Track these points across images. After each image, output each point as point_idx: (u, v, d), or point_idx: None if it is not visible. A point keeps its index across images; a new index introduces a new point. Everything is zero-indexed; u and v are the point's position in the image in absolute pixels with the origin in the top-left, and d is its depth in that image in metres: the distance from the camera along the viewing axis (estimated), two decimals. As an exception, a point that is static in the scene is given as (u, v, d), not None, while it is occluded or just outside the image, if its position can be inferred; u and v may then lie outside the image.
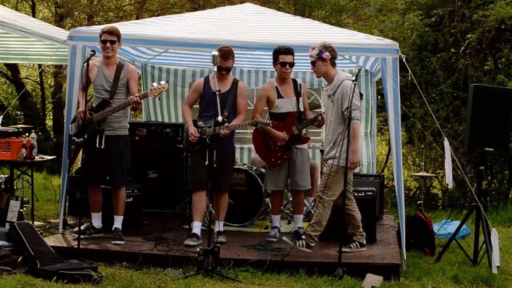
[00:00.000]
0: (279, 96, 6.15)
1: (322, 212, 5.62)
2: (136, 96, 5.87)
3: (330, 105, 5.72)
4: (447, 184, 6.30)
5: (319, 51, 5.63)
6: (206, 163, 5.90)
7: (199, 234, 5.98)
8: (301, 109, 6.19)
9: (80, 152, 6.31)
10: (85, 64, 5.63)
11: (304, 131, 6.25)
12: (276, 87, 6.17)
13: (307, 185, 6.27)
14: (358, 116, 5.55)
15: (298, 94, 6.16)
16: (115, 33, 5.87)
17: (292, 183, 6.27)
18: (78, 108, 5.98)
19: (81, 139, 5.82)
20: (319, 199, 5.65)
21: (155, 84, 5.95)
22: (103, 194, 6.15)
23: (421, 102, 10.14)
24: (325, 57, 5.63)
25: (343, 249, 5.46)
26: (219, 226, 6.15)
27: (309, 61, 5.98)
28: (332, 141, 5.71)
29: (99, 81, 5.90)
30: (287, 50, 6.08)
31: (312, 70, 5.81)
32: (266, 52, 7.55)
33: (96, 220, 6.08)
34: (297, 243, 5.61)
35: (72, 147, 5.98)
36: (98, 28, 6.26)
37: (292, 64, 6.13)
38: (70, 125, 6.05)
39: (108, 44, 5.86)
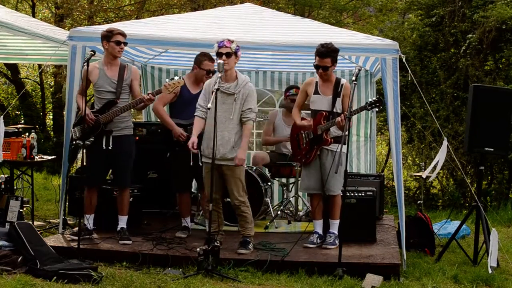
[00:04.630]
0: (316, 92, 6.05)
1: (249, 211, 5.83)
2: (149, 94, 5.90)
3: (229, 102, 5.68)
4: (428, 177, 6.32)
5: (237, 46, 5.73)
6: (191, 163, 6.23)
7: (189, 227, 6.41)
8: (337, 109, 5.93)
9: (79, 154, 6.28)
10: (85, 64, 5.63)
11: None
12: (316, 82, 6.07)
13: (337, 191, 5.95)
14: (253, 118, 5.76)
15: (336, 94, 5.95)
16: (125, 35, 5.91)
17: (325, 186, 6.05)
18: (79, 111, 5.94)
19: (88, 142, 5.80)
20: (241, 204, 5.74)
21: (167, 80, 5.98)
22: (104, 195, 6.15)
23: (421, 102, 10.14)
24: (239, 55, 5.79)
25: (241, 251, 5.65)
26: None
27: (310, 61, 5.98)
28: (234, 140, 5.69)
29: (102, 83, 5.86)
30: (321, 53, 5.84)
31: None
32: (266, 52, 7.58)
33: (90, 222, 6.07)
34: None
35: (78, 150, 6.03)
36: (98, 28, 6.26)
37: (325, 68, 5.86)
38: (72, 129, 5.99)
39: (122, 45, 5.89)
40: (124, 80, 5.93)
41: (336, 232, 6.01)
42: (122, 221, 6.06)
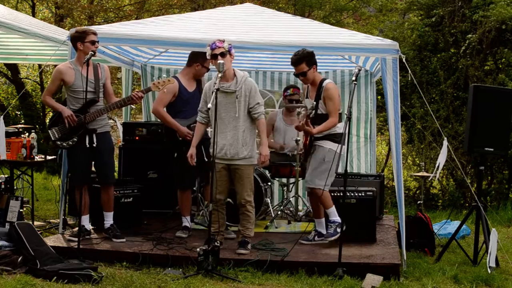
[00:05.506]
0: (307, 96, 6.13)
1: (253, 212, 5.88)
2: (139, 91, 5.91)
3: (232, 101, 5.70)
4: (434, 178, 6.36)
5: (230, 45, 5.74)
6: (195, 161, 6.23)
7: (189, 226, 6.41)
8: (322, 111, 5.92)
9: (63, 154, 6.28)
10: (66, 64, 5.64)
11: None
12: (308, 86, 6.13)
13: (313, 184, 5.92)
14: (264, 111, 5.80)
15: (318, 96, 5.97)
16: (97, 34, 5.90)
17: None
18: (57, 112, 5.90)
19: (71, 142, 5.81)
20: (247, 203, 5.75)
21: (155, 78, 5.98)
22: (96, 193, 6.15)
23: (421, 102, 10.14)
24: (233, 53, 5.79)
25: (241, 251, 5.66)
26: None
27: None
28: (242, 138, 5.71)
29: (80, 83, 5.82)
30: (293, 62, 5.93)
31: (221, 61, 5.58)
32: (266, 52, 7.58)
33: (87, 223, 6.06)
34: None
35: (59, 151, 6.02)
36: (98, 28, 6.24)
37: (302, 74, 5.94)
38: (49, 130, 5.94)
39: (97, 44, 5.88)
40: (100, 79, 5.96)
41: (335, 219, 5.93)
42: (110, 218, 6.05)
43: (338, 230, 5.85)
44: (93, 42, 5.84)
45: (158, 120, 8.87)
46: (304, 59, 5.90)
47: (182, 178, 6.37)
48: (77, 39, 5.84)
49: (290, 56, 5.99)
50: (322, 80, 5.99)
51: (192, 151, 5.83)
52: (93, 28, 6.10)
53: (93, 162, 6.09)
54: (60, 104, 5.95)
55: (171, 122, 6.32)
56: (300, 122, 5.84)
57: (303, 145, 6.18)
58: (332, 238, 5.87)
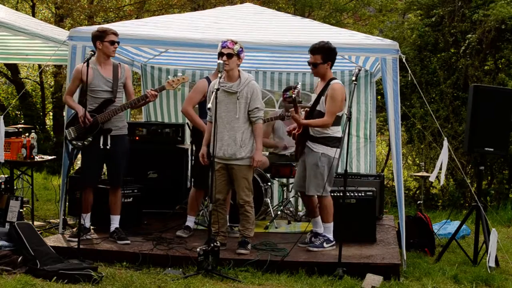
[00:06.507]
0: (315, 91, 6.10)
1: (253, 212, 5.84)
2: (153, 90, 5.92)
3: (233, 102, 5.68)
4: (430, 181, 6.32)
5: (241, 48, 5.71)
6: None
7: (191, 227, 6.37)
8: (321, 109, 5.81)
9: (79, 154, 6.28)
10: (85, 64, 5.63)
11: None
12: (318, 81, 6.12)
13: (311, 191, 5.84)
14: (262, 116, 5.78)
15: (321, 93, 5.88)
16: (118, 34, 5.91)
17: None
18: (75, 112, 5.89)
19: (86, 142, 5.80)
20: (246, 203, 5.72)
21: (170, 77, 5.99)
22: (100, 194, 6.15)
23: (421, 102, 10.15)
24: (242, 57, 5.76)
25: (241, 251, 5.65)
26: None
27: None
28: (240, 139, 5.68)
29: (97, 82, 5.84)
30: (311, 49, 5.83)
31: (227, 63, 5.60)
32: (265, 52, 7.58)
33: (88, 221, 6.07)
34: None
35: (75, 151, 6.02)
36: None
37: (314, 65, 5.84)
38: (66, 130, 5.93)
39: (116, 45, 5.89)
40: (119, 79, 5.94)
41: (329, 236, 5.89)
42: (116, 221, 6.04)
43: (325, 245, 5.83)
44: (112, 42, 5.85)
45: (158, 120, 8.93)
46: (322, 51, 5.79)
47: (200, 177, 6.29)
48: (97, 38, 5.84)
49: (290, 56, 5.98)
50: (332, 79, 5.91)
51: (203, 150, 5.82)
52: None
53: (105, 164, 6.09)
54: (79, 105, 5.90)
55: (198, 123, 6.31)
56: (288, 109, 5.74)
57: (292, 135, 6.06)
58: (315, 249, 5.79)
